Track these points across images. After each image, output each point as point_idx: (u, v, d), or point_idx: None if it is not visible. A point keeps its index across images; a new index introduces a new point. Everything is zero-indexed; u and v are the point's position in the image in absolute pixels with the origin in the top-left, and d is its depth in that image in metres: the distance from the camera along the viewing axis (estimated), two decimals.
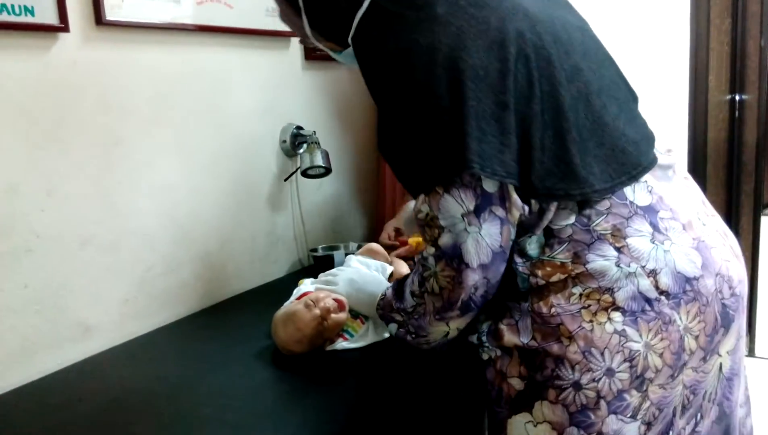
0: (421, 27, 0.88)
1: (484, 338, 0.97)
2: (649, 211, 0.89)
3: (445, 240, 0.90)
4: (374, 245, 1.52)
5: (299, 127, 1.89)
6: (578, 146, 0.87)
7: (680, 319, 0.87)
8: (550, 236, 0.90)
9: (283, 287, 1.50)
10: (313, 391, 1.13)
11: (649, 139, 0.97)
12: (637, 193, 0.90)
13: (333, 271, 1.40)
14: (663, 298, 0.86)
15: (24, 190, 1.25)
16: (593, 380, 0.86)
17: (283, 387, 1.17)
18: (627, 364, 0.86)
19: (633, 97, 1.02)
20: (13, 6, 1.19)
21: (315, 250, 1.92)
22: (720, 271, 0.90)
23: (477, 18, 0.87)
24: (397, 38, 0.90)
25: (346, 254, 1.62)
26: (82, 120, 1.34)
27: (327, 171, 1.87)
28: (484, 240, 0.88)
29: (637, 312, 0.86)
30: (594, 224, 0.88)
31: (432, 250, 0.92)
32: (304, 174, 1.85)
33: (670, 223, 0.90)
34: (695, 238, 0.90)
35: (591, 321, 0.87)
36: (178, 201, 1.57)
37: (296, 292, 1.38)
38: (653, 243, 0.88)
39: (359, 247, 1.59)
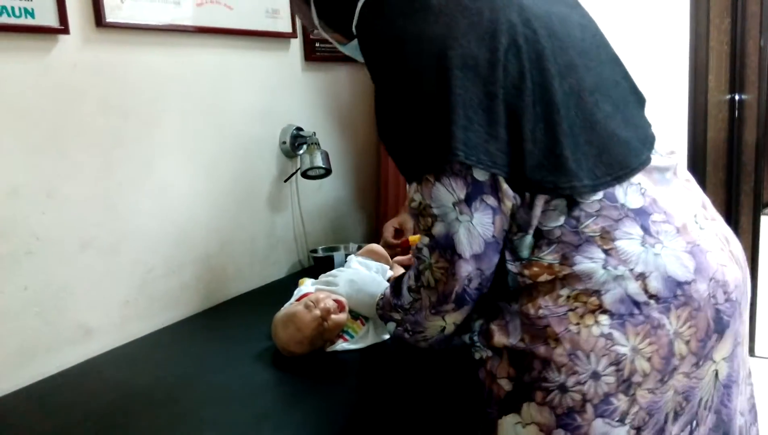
0: (415, 17, 0.90)
1: (475, 338, 0.97)
2: (641, 214, 0.88)
3: (438, 229, 0.90)
4: (375, 246, 1.52)
5: (299, 128, 1.89)
6: (569, 140, 0.87)
7: (670, 323, 0.85)
8: (540, 237, 0.89)
9: (283, 288, 1.50)
10: (314, 393, 1.13)
11: (645, 141, 0.95)
12: (629, 195, 0.89)
13: (333, 272, 1.40)
14: (652, 302, 0.85)
15: (24, 192, 1.25)
16: (579, 383, 0.86)
17: (283, 388, 1.17)
18: (613, 368, 0.85)
19: (638, 99, 1.02)
20: (13, 8, 1.19)
21: (315, 251, 1.92)
22: (714, 276, 0.88)
23: (470, 9, 0.88)
24: (392, 27, 0.93)
25: (346, 255, 1.62)
26: (82, 122, 1.34)
27: (327, 172, 1.87)
28: (476, 229, 0.88)
29: (625, 315, 0.85)
30: (582, 226, 0.87)
31: (426, 239, 0.93)
32: (304, 175, 1.86)
33: (663, 227, 0.88)
34: (689, 241, 0.89)
35: (578, 323, 0.86)
36: (178, 202, 1.57)
37: (296, 293, 1.38)
38: (643, 246, 0.87)
39: (359, 248, 1.59)
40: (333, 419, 1.04)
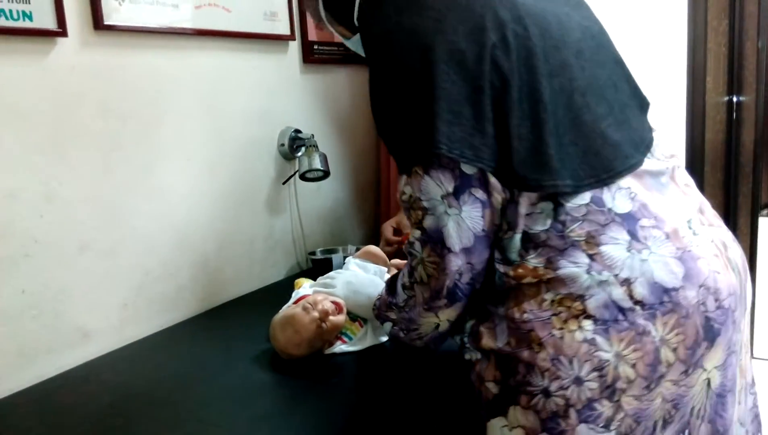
0: (408, 11, 0.91)
1: (466, 339, 0.98)
2: (629, 219, 0.87)
3: (428, 222, 0.91)
4: (372, 248, 1.52)
5: (297, 131, 1.89)
6: (554, 139, 0.87)
7: (656, 330, 0.84)
8: (527, 241, 0.89)
9: (281, 291, 1.50)
10: (312, 395, 1.13)
11: (639, 144, 0.94)
12: (617, 200, 0.88)
13: (331, 274, 1.40)
14: (638, 308, 0.84)
15: (22, 195, 1.25)
16: (561, 388, 0.85)
17: (282, 390, 1.17)
18: (596, 374, 0.84)
19: (639, 103, 1.01)
20: (11, 11, 1.19)
21: (313, 253, 1.92)
22: (705, 283, 0.87)
23: (461, 4, 0.89)
24: (385, 20, 0.94)
25: (345, 257, 1.62)
26: (80, 125, 1.34)
27: (325, 174, 1.87)
28: (465, 223, 0.88)
29: (609, 321, 0.84)
30: (568, 230, 0.87)
31: (417, 233, 0.93)
32: (303, 177, 1.86)
33: (652, 232, 0.87)
34: (680, 247, 0.87)
35: (561, 328, 0.85)
36: (177, 205, 1.57)
37: (294, 296, 1.38)
38: (629, 251, 0.86)
39: (357, 250, 1.59)
40: (332, 421, 1.04)
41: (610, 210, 0.87)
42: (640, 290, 0.84)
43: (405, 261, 1.01)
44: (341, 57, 2.10)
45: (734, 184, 2.50)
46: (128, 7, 1.41)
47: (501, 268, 0.91)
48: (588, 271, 0.85)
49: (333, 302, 1.24)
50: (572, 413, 0.85)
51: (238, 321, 1.54)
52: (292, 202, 1.95)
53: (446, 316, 0.98)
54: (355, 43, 1.12)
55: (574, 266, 0.86)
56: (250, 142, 1.79)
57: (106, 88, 1.39)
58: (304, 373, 1.20)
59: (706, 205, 1.00)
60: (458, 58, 0.86)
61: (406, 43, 0.89)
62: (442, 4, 0.90)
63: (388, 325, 1.09)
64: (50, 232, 1.30)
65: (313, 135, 1.87)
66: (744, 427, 1.01)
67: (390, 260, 1.52)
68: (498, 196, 0.89)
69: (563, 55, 0.91)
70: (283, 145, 1.87)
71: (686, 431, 0.90)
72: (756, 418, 1.07)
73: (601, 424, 0.85)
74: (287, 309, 1.29)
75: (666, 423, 0.88)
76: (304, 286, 1.42)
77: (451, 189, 0.88)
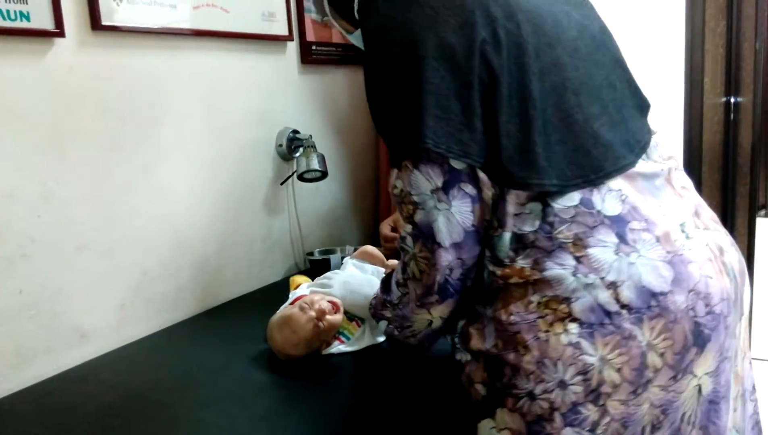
0: (401, 5, 0.92)
1: (456, 339, 0.97)
2: (618, 221, 0.86)
3: (419, 217, 0.91)
4: (369, 248, 1.52)
5: (295, 131, 1.89)
6: (542, 138, 0.86)
7: (642, 334, 0.83)
8: (515, 241, 0.88)
9: (279, 291, 1.50)
10: (310, 395, 1.12)
11: (633, 146, 0.93)
12: (607, 202, 0.87)
13: (328, 274, 1.41)
14: (624, 312, 0.83)
15: (20, 195, 1.25)
16: (546, 391, 0.85)
17: (280, 390, 1.17)
18: (580, 377, 0.83)
19: (638, 104, 1.00)
20: (8, 11, 1.19)
21: (312, 253, 1.92)
22: (695, 288, 0.85)
23: (454, 0, 0.89)
24: (379, 14, 0.95)
25: (343, 258, 1.62)
26: (78, 125, 1.34)
27: (323, 174, 1.87)
28: (455, 217, 0.88)
29: (595, 325, 0.83)
30: (556, 232, 0.86)
31: (409, 227, 0.93)
32: (301, 178, 1.86)
33: (641, 235, 0.86)
34: (670, 251, 0.86)
35: (547, 331, 0.85)
36: (175, 205, 1.57)
37: (291, 296, 1.38)
38: (617, 254, 0.84)
39: (356, 250, 1.58)
40: (330, 421, 1.04)
41: (599, 212, 0.86)
42: (627, 294, 0.83)
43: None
44: (339, 57, 2.10)
45: (732, 185, 2.50)
46: (126, 8, 1.41)
47: (490, 266, 0.91)
48: (574, 274, 0.84)
49: (330, 302, 1.24)
50: (557, 417, 0.85)
51: (237, 321, 1.54)
52: (290, 202, 1.95)
53: (439, 312, 0.97)
54: (357, 38, 1.12)
55: (560, 268, 0.85)
56: (249, 142, 1.79)
57: (104, 89, 1.39)
58: (302, 373, 1.20)
59: (704, 208, 0.99)
60: (448, 53, 0.86)
61: (396, 38, 0.90)
62: (434, 0, 0.90)
63: (383, 324, 1.09)
64: (48, 232, 1.29)
65: (311, 135, 1.87)
66: (741, 434, 1.00)
67: (387, 260, 1.52)
68: (488, 192, 0.88)
69: (557, 53, 0.90)
70: (281, 145, 1.87)
71: None
72: (757, 425, 1.05)
73: (587, 428, 0.84)
74: (284, 309, 1.29)
75: (655, 428, 0.87)
76: (302, 287, 1.42)
77: (440, 184, 0.88)
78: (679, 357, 0.85)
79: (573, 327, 0.84)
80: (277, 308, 1.32)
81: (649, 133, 0.98)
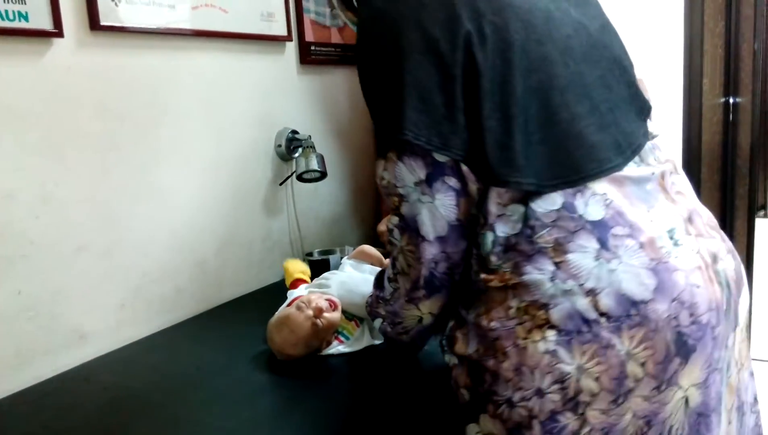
0: None
1: (444, 342, 0.97)
2: (600, 227, 0.83)
3: (404, 209, 0.91)
4: (366, 247, 1.52)
5: (294, 132, 1.89)
6: (522, 136, 0.85)
7: (621, 343, 0.81)
8: (497, 244, 0.87)
9: (279, 292, 1.50)
10: (310, 396, 1.12)
11: (623, 148, 0.89)
12: (590, 206, 0.84)
13: (326, 274, 1.41)
14: (603, 320, 0.81)
15: (19, 196, 1.24)
16: (524, 399, 0.83)
17: (280, 391, 1.17)
18: (557, 386, 0.82)
19: (638, 106, 0.96)
20: (6, 12, 1.19)
21: (311, 254, 1.91)
22: (680, 297, 0.82)
23: None
24: (370, 6, 0.95)
25: (342, 258, 1.62)
26: (77, 126, 1.34)
27: (322, 175, 1.87)
28: (439, 211, 0.88)
29: (573, 332, 0.81)
30: (537, 236, 0.84)
31: (396, 219, 0.93)
32: (300, 178, 1.86)
33: (624, 241, 0.83)
34: (654, 258, 0.83)
35: (525, 338, 0.83)
36: (174, 206, 1.57)
37: (289, 297, 1.38)
38: (597, 260, 0.82)
39: None
40: (330, 421, 1.04)
41: (581, 216, 0.84)
42: (606, 302, 0.81)
43: None
44: (338, 58, 2.10)
45: (731, 186, 2.50)
46: (125, 8, 1.41)
47: (475, 265, 0.90)
48: (552, 279, 0.83)
49: (327, 300, 1.24)
50: (536, 425, 0.83)
51: (236, 322, 1.54)
52: (289, 203, 1.94)
53: (427, 308, 0.97)
54: None
55: (539, 273, 0.83)
56: (248, 142, 1.78)
57: (102, 89, 1.38)
58: (301, 374, 1.20)
59: (700, 214, 0.96)
60: (432, 45, 0.85)
61: (383, 29, 0.90)
62: None
63: (378, 321, 1.09)
64: (47, 233, 1.29)
65: (310, 136, 1.87)
66: None
67: (385, 259, 1.52)
68: (473, 186, 0.87)
69: (546, 50, 0.88)
70: (280, 145, 1.87)
71: None
72: None
73: None
74: (282, 310, 1.29)
75: None
76: (299, 288, 1.42)
77: (423, 176, 0.88)
78: (662, 367, 0.82)
79: (551, 334, 0.82)
80: (277, 309, 1.32)
81: (645, 136, 0.95)
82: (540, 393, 0.82)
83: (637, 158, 0.91)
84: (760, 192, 2.57)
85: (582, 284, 0.82)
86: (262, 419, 1.06)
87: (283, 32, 1.87)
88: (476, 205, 0.89)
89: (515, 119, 0.85)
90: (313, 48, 1.98)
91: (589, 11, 0.98)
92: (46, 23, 1.25)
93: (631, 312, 0.81)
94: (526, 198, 0.85)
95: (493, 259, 0.87)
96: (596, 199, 0.85)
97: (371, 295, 1.12)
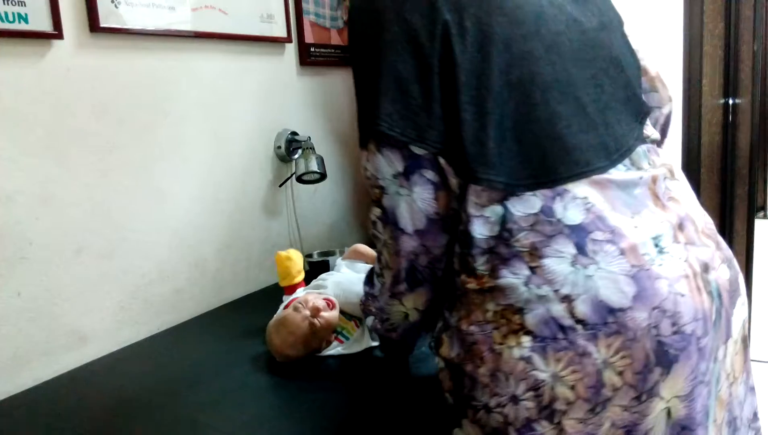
0: None
1: (431, 343, 0.96)
2: (578, 231, 0.81)
3: (385, 202, 0.90)
4: (360, 246, 1.52)
5: (294, 133, 1.89)
6: (496, 132, 0.83)
7: (598, 351, 0.78)
8: (475, 246, 0.85)
9: (278, 293, 1.50)
10: (310, 398, 1.12)
11: (610, 150, 0.86)
12: (569, 210, 0.82)
13: (322, 276, 1.41)
14: (579, 327, 0.78)
15: (18, 197, 1.24)
16: (500, 405, 0.82)
17: (279, 392, 1.17)
18: (531, 393, 0.80)
19: (634, 109, 0.93)
20: (6, 13, 1.19)
21: (310, 255, 1.92)
22: (661, 305, 0.79)
23: None
24: None
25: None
26: (76, 127, 1.34)
27: (322, 176, 1.87)
28: (416, 204, 0.87)
29: (548, 339, 0.79)
30: (514, 240, 0.82)
31: (378, 211, 0.92)
32: (299, 179, 1.86)
33: (603, 246, 0.80)
34: (636, 265, 0.80)
35: (501, 344, 0.81)
36: (173, 207, 1.57)
37: (285, 300, 1.38)
38: (573, 266, 0.79)
39: None
40: (329, 422, 1.04)
41: (559, 220, 0.81)
42: (582, 308, 0.78)
43: None
44: (338, 59, 2.10)
45: (730, 187, 2.51)
46: (124, 9, 1.41)
47: (456, 265, 0.89)
48: (526, 284, 0.81)
49: (325, 299, 1.24)
50: (512, 432, 0.82)
51: (236, 324, 1.54)
52: (288, 204, 1.94)
53: (411, 303, 0.96)
54: None
55: (513, 277, 0.81)
56: (247, 144, 1.79)
57: (102, 91, 1.39)
58: (301, 375, 1.20)
59: (694, 221, 0.91)
60: (412, 36, 0.85)
61: (365, 20, 0.90)
62: None
63: (370, 319, 1.08)
64: (46, 234, 1.29)
65: (309, 137, 1.87)
66: None
67: None
68: (453, 180, 0.85)
69: (530, 46, 0.86)
70: (279, 147, 1.87)
71: None
72: None
73: None
74: (280, 312, 1.29)
75: None
76: (297, 292, 1.42)
77: (401, 169, 0.86)
78: (641, 377, 0.79)
79: (526, 340, 0.80)
80: (276, 310, 1.32)
81: (639, 139, 0.91)
82: (515, 399, 0.81)
83: (627, 161, 0.88)
84: (759, 193, 2.58)
85: (557, 290, 0.79)
86: (261, 420, 1.06)
87: (283, 34, 1.87)
88: (457, 201, 0.87)
89: (490, 115, 0.83)
90: (312, 49, 1.99)
91: (589, 8, 0.95)
92: (45, 25, 1.25)
93: (608, 319, 0.78)
94: (503, 199, 0.83)
95: (472, 260, 0.85)
96: (576, 202, 0.82)
97: (365, 293, 1.11)
